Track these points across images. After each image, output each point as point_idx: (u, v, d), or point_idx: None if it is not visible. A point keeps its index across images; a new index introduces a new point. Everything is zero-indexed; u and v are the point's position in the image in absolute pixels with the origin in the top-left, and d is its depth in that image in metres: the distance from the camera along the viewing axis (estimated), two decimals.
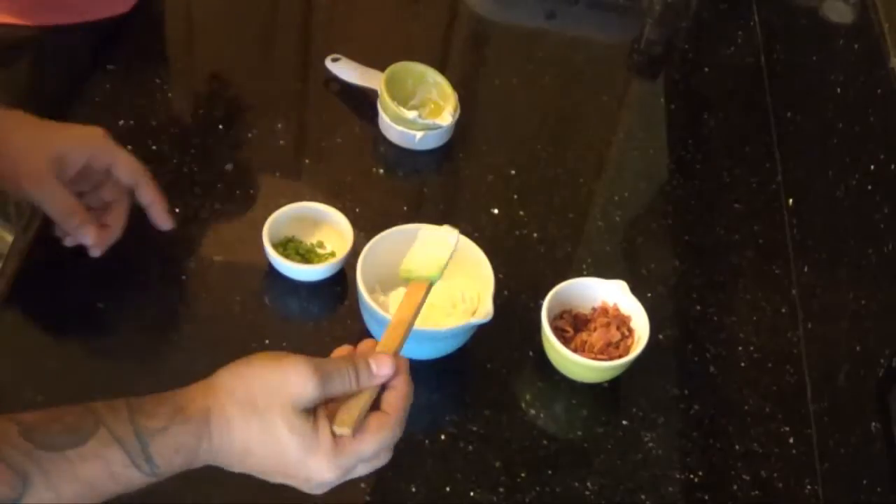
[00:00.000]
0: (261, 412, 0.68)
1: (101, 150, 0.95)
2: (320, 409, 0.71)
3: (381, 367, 0.73)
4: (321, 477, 0.70)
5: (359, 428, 0.71)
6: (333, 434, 0.70)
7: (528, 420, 0.94)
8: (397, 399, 0.73)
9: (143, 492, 0.76)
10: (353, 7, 1.42)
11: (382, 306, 0.93)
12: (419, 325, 0.93)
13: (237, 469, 0.70)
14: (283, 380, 0.68)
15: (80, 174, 0.94)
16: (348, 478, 0.72)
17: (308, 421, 0.69)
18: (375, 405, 0.73)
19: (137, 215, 1.05)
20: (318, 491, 0.72)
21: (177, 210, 1.06)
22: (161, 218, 0.99)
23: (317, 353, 0.85)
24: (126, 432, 0.65)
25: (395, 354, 0.75)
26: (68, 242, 0.96)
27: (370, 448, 0.71)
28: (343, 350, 0.78)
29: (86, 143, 0.94)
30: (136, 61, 1.24)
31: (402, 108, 1.16)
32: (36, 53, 1.16)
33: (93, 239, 0.94)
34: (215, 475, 0.72)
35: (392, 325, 0.79)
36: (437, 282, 0.85)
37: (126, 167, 0.96)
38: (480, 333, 0.95)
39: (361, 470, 0.73)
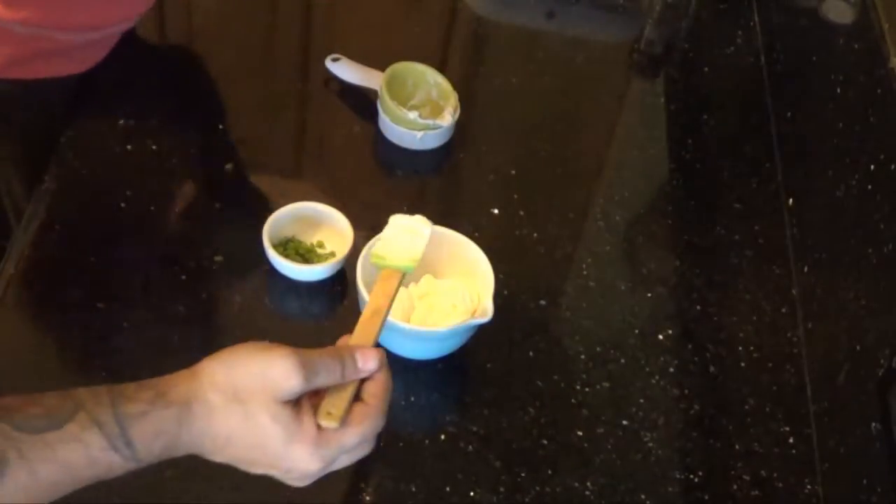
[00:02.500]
0: (243, 401, 0.67)
1: None
2: (304, 400, 0.70)
3: (367, 362, 0.73)
4: (304, 468, 0.70)
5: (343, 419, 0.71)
6: (318, 426, 0.70)
7: (528, 420, 0.94)
8: (379, 389, 0.73)
9: (146, 492, 0.77)
10: (353, 7, 1.42)
11: None
12: (420, 325, 0.93)
13: (219, 458, 0.69)
14: (267, 371, 0.68)
15: None
16: (331, 469, 0.72)
17: (292, 411, 0.68)
18: (356, 395, 0.73)
19: (137, 215, 1.05)
20: (300, 483, 0.72)
21: (177, 210, 1.06)
22: None
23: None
24: (106, 416, 0.64)
25: (377, 348, 0.75)
26: None
27: (353, 439, 0.71)
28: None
29: None
30: (136, 61, 1.24)
31: (402, 108, 1.15)
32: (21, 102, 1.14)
33: None
34: (214, 475, 0.72)
35: (367, 314, 0.78)
36: (412, 273, 0.84)
37: None
38: (480, 333, 0.95)
39: (344, 460, 0.72)
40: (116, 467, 0.65)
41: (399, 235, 0.86)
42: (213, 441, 0.68)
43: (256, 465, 0.70)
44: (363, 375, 0.73)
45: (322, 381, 0.70)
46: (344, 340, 0.77)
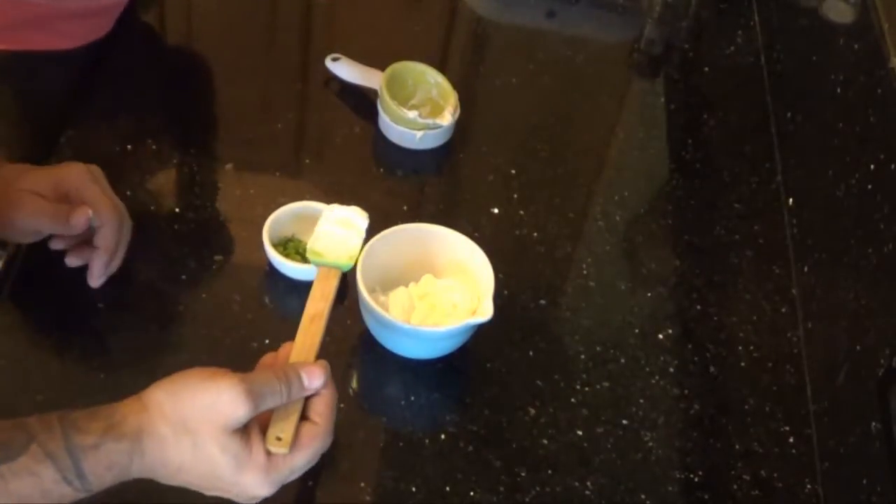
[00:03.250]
0: (192, 432, 0.68)
1: (75, 190, 0.91)
2: (253, 423, 0.71)
3: (313, 380, 0.74)
4: (255, 492, 0.72)
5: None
6: (267, 452, 0.71)
7: (528, 420, 0.94)
8: (325, 407, 0.75)
9: (146, 491, 0.76)
10: (353, 7, 1.42)
11: (382, 306, 0.93)
12: (420, 325, 0.93)
13: (171, 483, 0.71)
14: (215, 401, 0.69)
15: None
16: (280, 485, 0.73)
17: (240, 440, 0.70)
18: (303, 413, 0.74)
19: (137, 214, 1.05)
20: (252, 502, 0.73)
21: (177, 210, 1.06)
22: (94, 274, 0.94)
23: (317, 354, 0.86)
24: (58, 448, 0.65)
25: (320, 361, 0.76)
26: (71, 262, 0.94)
27: (302, 460, 0.73)
28: (268, 358, 0.78)
29: (59, 184, 0.91)
30: (136, 61, 1.24)
31: (402, 108, 1.15)
32: (25, 73, 1.14)
33: (83, 217, 0.89)
34: None
35: (306, 320, 0.78)
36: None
37: (95, 210, 0.91)
38: (480, 333, 0.95)
39: (293, 478, 0.74)
40: (67, 498, 0.66)
41: (335, 229, 0.84)
42: (165, 469, 0.69)
43: (209, 490, 0.72)
44: (309, 394, 0.74)
45: (268, 404, 0.71)
46: (287, 348, 0.77)
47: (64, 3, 1.11)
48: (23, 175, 0.91)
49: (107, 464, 0.66)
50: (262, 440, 0.71)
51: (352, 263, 0.82)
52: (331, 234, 0.84)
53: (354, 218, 0.85)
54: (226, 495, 0.72)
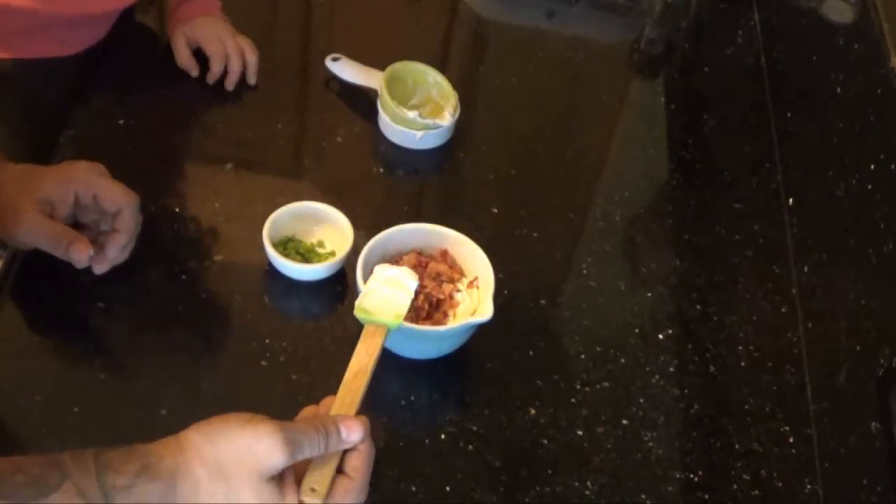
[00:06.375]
0: (227, 477, 0.68)
1: (83, 185, 0.92)
2: (288, 473, 0.71)
3: (352, 433, 0.73)
4: None
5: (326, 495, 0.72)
6: (301, 502, 0.71)
7: (528, 420, 0.94)
8: (361, 462, 0.74)
9: None
10: (353, 7, 1.42)
11: None
12: (419, 325, 0.93)
13: None
14: (253, 446, 0.68)
15: (78, 209, 0.93)
16: None
17: (275, 488, 0.69)
18: (339, 467, 0.74)
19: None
20: None
21: (177, 210, 1.06)
22: (107, 257, 0.94)
23: (316, 353, 0.86)
24: (91, 487, 0.65)
25: (360, 416, 0.76)
26: (81, 263, 0.93)
27: None
28: (309, 411, 0.78)
29: (67, 183, 0.92)
30: (135, 61, 1.24)
31: (402, 108, 1.16)
32: (26, 79, 1.15)
33: (83, 254, 0.91)
34: None
35: (350, 375, 0.78)
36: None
37: (109, 197, 0.93)
38: (480, 333, 0.95)
39: None
40: None
41: (384, 288, 0.85)
42: None
43: None
44: (347, 447, 0.74)
45: (306, 454, 0.71)
46: (328, 402, 0.77)
47: (60, 10, 1.11)
48: (35, 179, 0.92)
49: None
50: (296, 490, 0.71)
51: (399, 322, 0.83)
52: (379, 292, 0.85)
53: (404, 278, 0.86)
54: None
